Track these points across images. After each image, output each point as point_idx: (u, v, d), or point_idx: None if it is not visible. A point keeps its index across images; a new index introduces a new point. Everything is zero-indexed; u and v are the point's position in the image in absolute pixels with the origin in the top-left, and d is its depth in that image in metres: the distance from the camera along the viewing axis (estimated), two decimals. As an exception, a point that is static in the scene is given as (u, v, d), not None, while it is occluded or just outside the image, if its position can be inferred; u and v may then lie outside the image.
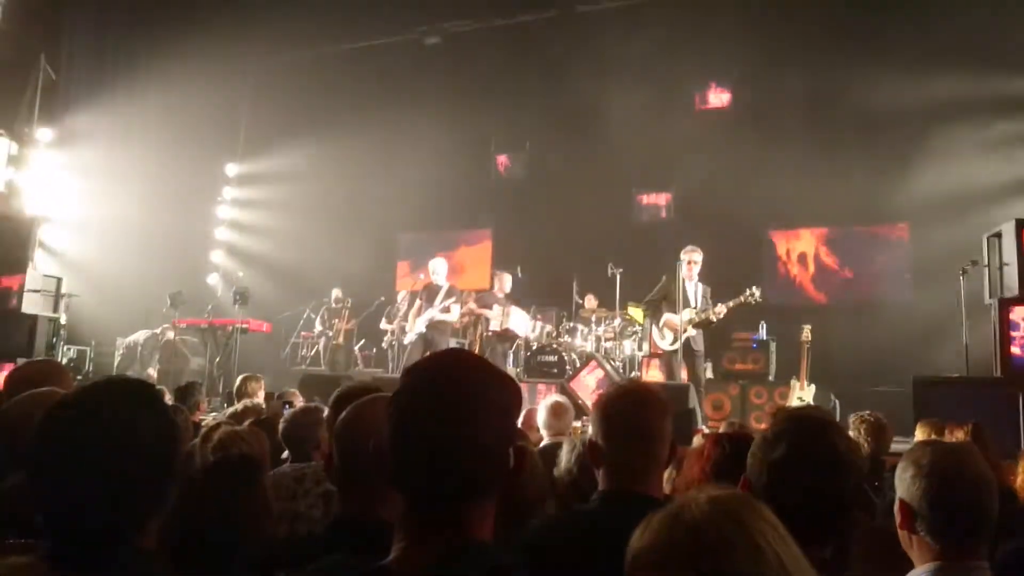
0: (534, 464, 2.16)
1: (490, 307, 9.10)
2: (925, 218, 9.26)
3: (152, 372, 9.99)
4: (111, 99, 11.33)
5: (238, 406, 5.04)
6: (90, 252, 10.74)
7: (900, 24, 9.23)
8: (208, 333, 9.96)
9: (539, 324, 9.78)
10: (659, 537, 0.86)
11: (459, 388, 1.13)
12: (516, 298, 9.43)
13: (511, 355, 9.37)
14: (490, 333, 9.14)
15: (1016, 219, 5.99)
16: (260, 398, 5.35)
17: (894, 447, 3.65)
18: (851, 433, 3.58)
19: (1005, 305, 5.87)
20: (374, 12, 10.97)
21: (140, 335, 10.75)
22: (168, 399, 5.14)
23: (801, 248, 10.50)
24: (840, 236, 10.32)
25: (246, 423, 3.57)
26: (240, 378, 5.77)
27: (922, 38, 9.07)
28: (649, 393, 1.86)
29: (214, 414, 6.42)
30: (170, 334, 10.31)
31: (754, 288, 7.00)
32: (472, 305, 9.19)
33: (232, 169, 13.57)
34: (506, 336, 9.08)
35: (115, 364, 9.76)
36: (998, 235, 6.21)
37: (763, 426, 1.74)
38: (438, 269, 8.54)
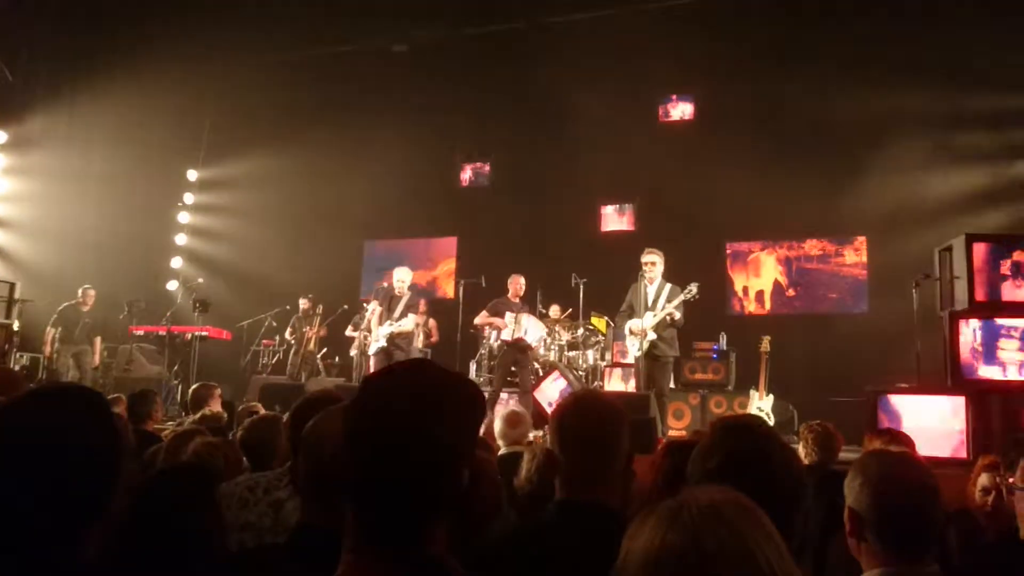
0: (492, 474, 2.17)
1: (502, 315, 8.32)
2: (881, 231, 9.48)
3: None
4: (70, 101, 11.14)
5: (195, 416, 4.98)
6: (46, 257, 10.52)
7: (860, 40, 9.43)
8: (166, 341, 9.81)
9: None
10: (654, 539, 0.86)
11: (413, 401, 1.11)
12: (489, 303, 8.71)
13: (524, 366, 8.31)
14: (501, 342, 8.39)
15: (966, 234, 6.15)
16: (216, 406, 5.28)
17: (849, 456, 3.71)
18: (800, 443, 3.65)
19: (955, 317, 6.02)
20: (341, 18, 10.93)
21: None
22: (122, 408, 5.05)
23: (761, 259, 10.67)
24: (799, 248, 10.50)
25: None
26: (195, 386, 5.69)
27: (880, 53, 9.28)
28: (602, 402, 1.87)
29: (171, 423, 6.33)
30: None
31: (692, 285, 7.03)
32: (484, 313, 8.48)
33: (194, 174, 13.39)
34: (519, 347, 8.18)
35: (68, 372, 9.54)
36: (949, 249, 6.37)
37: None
38: (402, 278, 8.51)
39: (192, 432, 3.34)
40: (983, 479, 3.33)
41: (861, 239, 10.09)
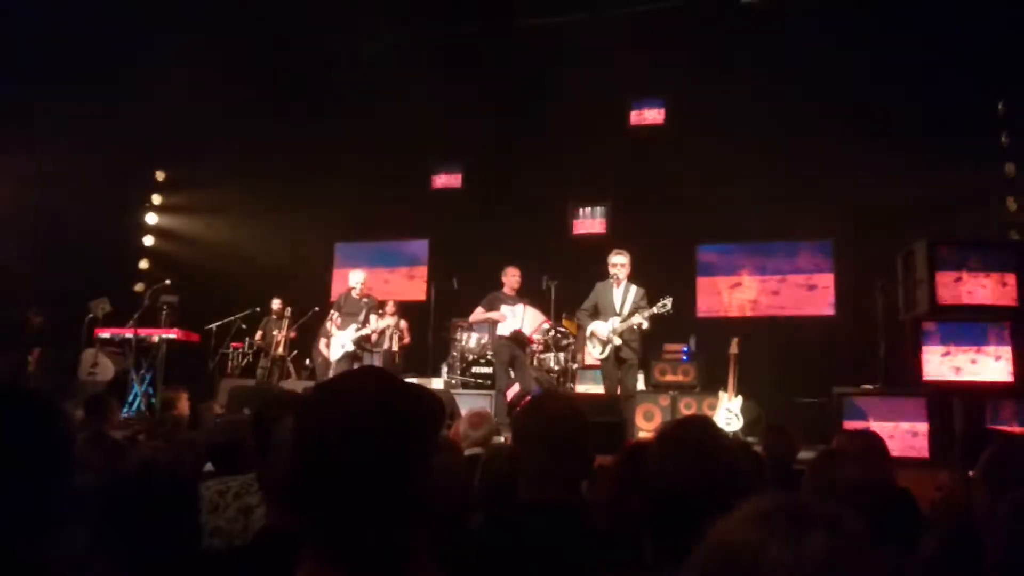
0: (456, 477, 2.21)
1: (497, 308, 8.10)
2: (848, 235, 9.66)
3: None
4: (32, 98, 10.95)
5: (163, 418, 4.96)
6: (5, 259, 10.35)
7: (826, 45, 9.58)
8: (133, 343, 9.71)
9: (475, 335, 9.83)
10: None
11: (363, 410, 1.11)
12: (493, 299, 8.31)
13: (522, 362, 8.08)
14: (498, 336, 8.11)
15: (928, 240, 6.30)
16: (183, 410, 5.26)
17: (809, 456, 3.80)
18: (759, 443, 3.73)
19: (917, 320, 6.17)
20: (310, 20, 10.89)
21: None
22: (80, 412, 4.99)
23: (731, 262, 10.80)
24: (768, 251, 10.64)
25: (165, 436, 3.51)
26: (163, 390, 5.66)
27: (846, 57, 9.44)
28: (562, 403, 1.91)
29: (134, 428, 6.27)
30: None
31: (666, 300, 7.09)
32: (479, 310, 8.22)
33: (161, 175, 13.26)
34: (518, 340, 7.99)
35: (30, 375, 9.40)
36: (911, 253, 6.52)
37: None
38: (358, 281, 8.53)
39: (135, 437, 3.31)
40: (940, 477, 3.43)
41: (828, 243, 10.25)
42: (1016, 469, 2.08)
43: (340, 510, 1.08)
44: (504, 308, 8.02)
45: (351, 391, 1.16)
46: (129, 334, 9.82)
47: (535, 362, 9.10)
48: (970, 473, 2.75)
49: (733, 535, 0.81)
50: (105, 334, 10.02)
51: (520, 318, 7.92)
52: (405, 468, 1.11)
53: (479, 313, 8.24)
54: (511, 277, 8.25)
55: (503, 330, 7.97)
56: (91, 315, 9.88)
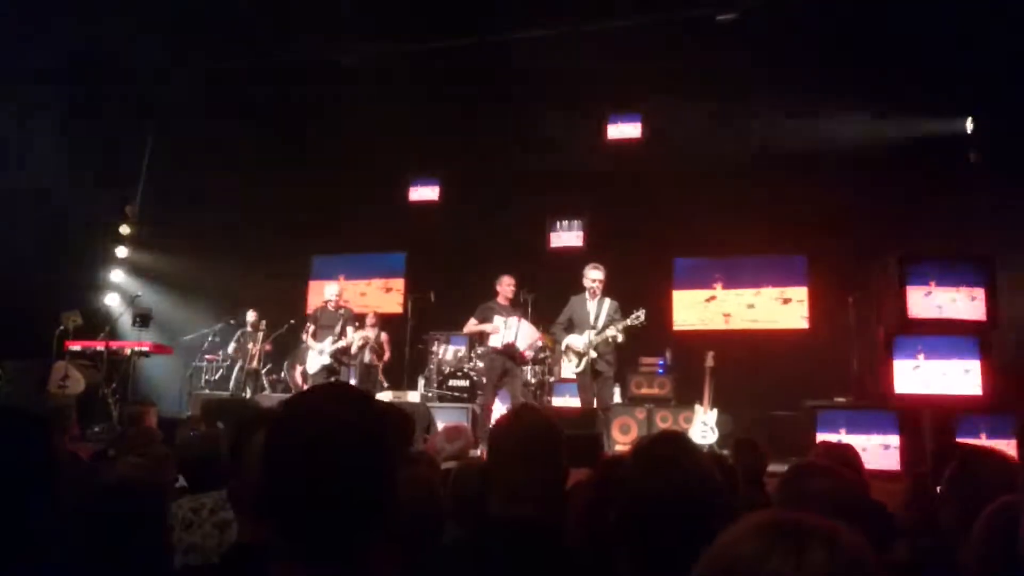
0: (430, 491, 2.21)
1: (490, 320, 7.85)
2: (822, 249, 9.78)
3: None
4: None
5: (134, 432, 4.90)
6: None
7: (803, 61, 9.72)
8: (104, 356, 9.60)
9: (452, 348, 9.85)
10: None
11: (331, 423, 1.15)
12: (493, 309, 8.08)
13: (514, 376, 7.80)
14: (490, 348, 7.87)
15: (899, 254, 6.42)
16: (151, 423, 5.21)
17: (779, 469, 3.85)
18: (730, 455, 3.78)
19: (888, 334, 6.27)
20: (290, 31, 10.89)
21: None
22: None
23: (706, 276, 10.89)
24: (743, 265, 10.75)
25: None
26: (130, 404, 5.61)
27: (816, 72, 9.58)
28: (537, 417, 1.92)
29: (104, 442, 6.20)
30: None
31: (639, 312, 7.18)
32: (472, 321, 7.99)
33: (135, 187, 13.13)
34: (510, 354, 7.70)
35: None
36: (884, 266, 6.63)
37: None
38: (334, 293, 8.51)
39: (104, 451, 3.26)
40: (909, 490, 3.49)
41: (802, 257, 10.37)
42: (978, 482, 2.14)
43: (307, 522, 1.12)
44: (497, 320, 7.79)
45: (316, 408, 1.20)
46: (100, 347, 9.71)
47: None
48: (937, 489, 2.81)
49: (735, 548, 0.82)
50: (76, 347, 9.90)
51: (514, 331, 7.68)
52: (370, 481, 1.15)
53: (472, 325, 8.02)
54: (506, 287, 8.02)
55: (495, 342, 7.74)
56: (62, 327, 9.75)
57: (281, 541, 1.15)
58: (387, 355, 10.03)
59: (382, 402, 1.11)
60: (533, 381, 9.34)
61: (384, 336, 10.30)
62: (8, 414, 1.34)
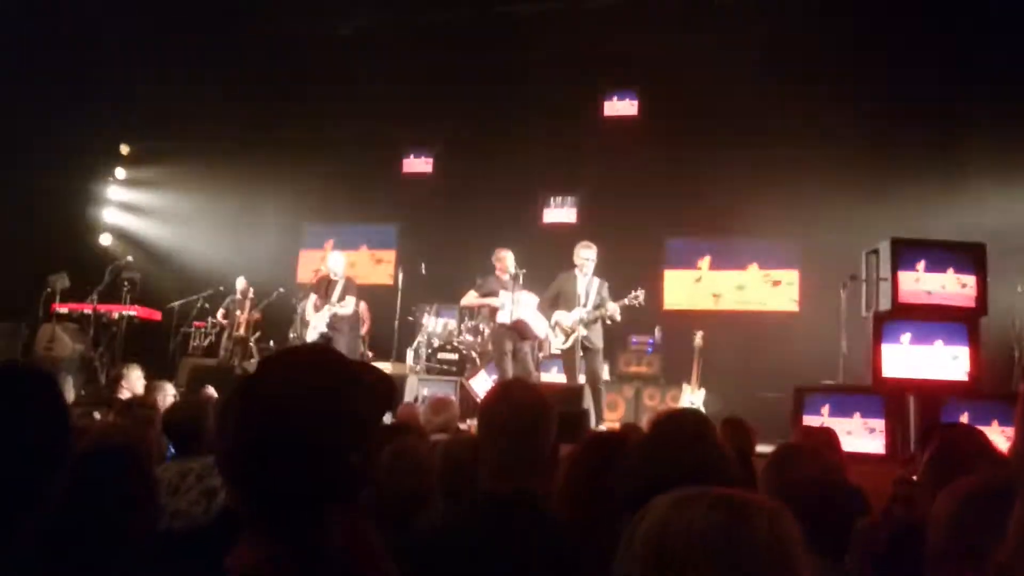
0: (416, 462, 2.21)
1: (495, 293, 7.54)
2: (814, 233, 9.78)
3: None
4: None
5: (122, 396, 4.89)
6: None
7: (802, 43, 9.66)
8: (92, 320, 9.55)
9: (442, 321, 9.83)
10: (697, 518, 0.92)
11: (284, 386, 1.11)
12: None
13: (524, 354, 7.51)
14: (498, 324, 7.56)
15: (892, 238, 6.42)
16: (139, 388, 5.19)
17: (766, 450, 3.87)
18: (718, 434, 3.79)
19: (879, 318, 6.29)
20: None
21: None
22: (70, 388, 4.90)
23: (698, 256, 10.88)
24: (735, 246, 10.74)
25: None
26: (119, 367, 5.58)
27: (813, 54, 9.54)
28: (525, 391, 1.91)
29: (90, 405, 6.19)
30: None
31: (638, 291, 7.20)
32: (472, 294, 7.78)
33: (125, 148, 13.01)
34: (517, 330, 7.44)
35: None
36: (876, 252, 6.63)
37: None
38: (336, 263, 8.43)
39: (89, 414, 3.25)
40: (896, 472, 3.52)
41: (795, 239, 10.36)
42: (957, 457, 2.15)
43: (264, 489, 1.08)
44: (504, 295, 7.49)
45: (281, 370, 1.15)
46: (88, 310, 9.66)
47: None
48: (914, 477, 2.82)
49: (689, 518, 0.92)
50: (63, 309, 9.84)
51: (522, 306, 7.39)
52: (336, 448, 1.10)
53: (472, 297, 7.82)
54: (502, 260, 7.74)
55: (503, 318, 7.45)
56: (48, 289, 9.69)
57: (244, 502, 1.10)
58: (367, 324, 10.04)
59: (361, 364, 1.10)
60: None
61: (364, 306, 10.28)
62: (25, 371, 1.30)
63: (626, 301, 7.13)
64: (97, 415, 4.48)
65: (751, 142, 9.93)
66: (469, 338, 9.24)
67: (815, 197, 9.44)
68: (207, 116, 11.71)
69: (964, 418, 5.51)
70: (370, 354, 9.76)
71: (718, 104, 9.97)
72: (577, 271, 7.28)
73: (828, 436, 3.55)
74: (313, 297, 8.36)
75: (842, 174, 9.30)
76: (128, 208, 12.95)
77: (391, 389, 1.23)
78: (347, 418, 1.12)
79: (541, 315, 7.51)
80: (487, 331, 8.73)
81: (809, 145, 9.59)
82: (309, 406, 1.09)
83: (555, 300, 7.31)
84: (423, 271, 9.78)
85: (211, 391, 5.49)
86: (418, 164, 12.16)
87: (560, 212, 11.43)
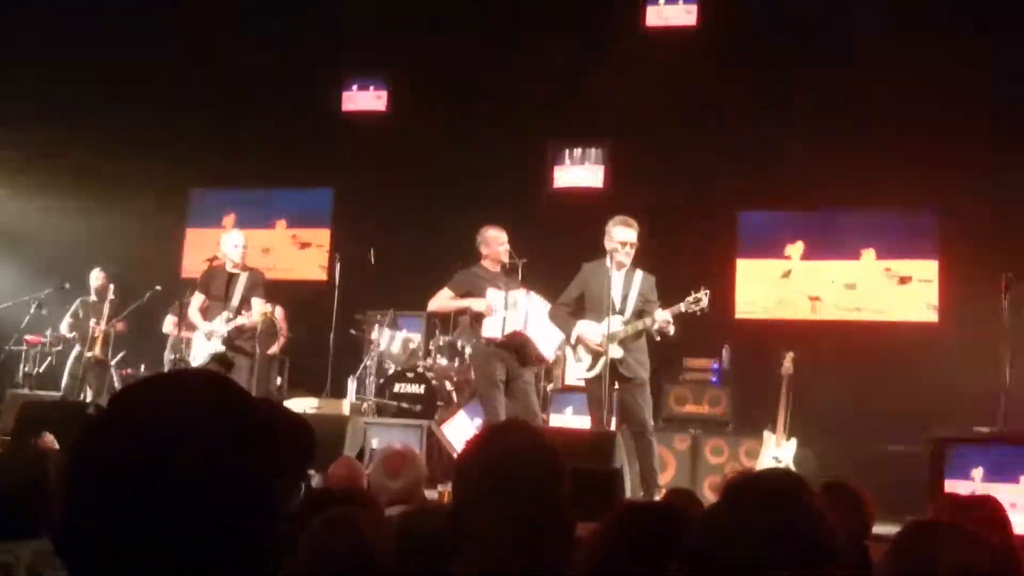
0: (361, 543, 2.19)
1: (481, 293, 7.43)
2: (960, 204, 9.80)
3: None
4: None
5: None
6: None
7: None
8: None
9: (400, 336, 9.83)
10: None
11: (149, 431, 1.11)
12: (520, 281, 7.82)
13: (524, 385, 7.43)
14: (485, 340, 7.42)
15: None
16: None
17: (890, 531, 3.86)
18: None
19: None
20: None
21: None
22: None
23: (786, 238, 10.88)
24: (842, 224, 10.74)
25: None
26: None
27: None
28: (524, 438, 1.92)
29: None
30: None
31: (701, 293, 7.06)
32: (445, 294, 7.62)
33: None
34: (513, 349, 7.36)
35: None
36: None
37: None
38: (236, 245, 8.42)
39: None
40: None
41: (930, 211, 10.32)
42: None
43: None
44: (492, 294, 7.39)
45: (157, 406, 1.14)
46: None
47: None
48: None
49: None
50: None
51: (522, 312, 7.34)
52: (219, 522, 1.09)
53: (445, 299, 7.79)
54: (495, 245, 7.63)
55: (491, 330, 7.38)
56: None
57: None
58: (284, 336, 9.99)
59: (269, 403, 1.08)
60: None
61: (279, 312, 10.24)
62: None
63: (682, 307, 7.03)
64: None
65: (866, 69, 9.95)
66: (442, 361, 9.23)
67: (964, 150, 9.45)
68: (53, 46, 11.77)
69: None
70: (286, 386, 9.77)
71: (820, 9, 10.00)
72: (609, 261, 7.21)
73: (987, 510, 3.52)
74: (201, 298, 8.35)
75: (1006, 117, 9.32)
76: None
77: (310, 441, 1.22)
78: (243, 483, 1.12)
79: (552, 325, 7.40)
80: (468, 350, 8.70)
81: (953, 76, 9.60)
82: (186, 468, 1.08)
83: (576, 304, 7.26)
84: (371, 260, 9.77)
85: (51, 440, 5.48)
86: (365, 98, 12.17)
87: (580, 172, 11.44)
